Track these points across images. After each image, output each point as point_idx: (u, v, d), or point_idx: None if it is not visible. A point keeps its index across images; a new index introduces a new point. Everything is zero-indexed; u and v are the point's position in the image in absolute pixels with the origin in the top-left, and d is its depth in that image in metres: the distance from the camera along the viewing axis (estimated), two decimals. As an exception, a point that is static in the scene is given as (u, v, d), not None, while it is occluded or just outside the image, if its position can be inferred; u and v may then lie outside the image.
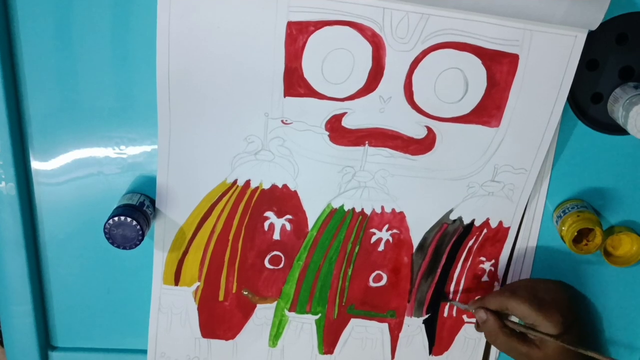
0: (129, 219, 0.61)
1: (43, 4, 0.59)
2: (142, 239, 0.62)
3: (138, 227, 0.61)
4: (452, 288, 0.75)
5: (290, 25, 0.59)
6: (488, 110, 0.64)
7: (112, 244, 0.62)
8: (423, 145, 0.66)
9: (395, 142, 0.66)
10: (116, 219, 0.61)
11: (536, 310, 0.65)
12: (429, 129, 0.65)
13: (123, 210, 0.62)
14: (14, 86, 0.62)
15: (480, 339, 0.78)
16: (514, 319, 0.70)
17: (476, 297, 0.73)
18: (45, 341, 0.73)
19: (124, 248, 0.62)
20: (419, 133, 0.65)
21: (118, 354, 0.75)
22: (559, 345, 0.65)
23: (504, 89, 0.63)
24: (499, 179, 0.68)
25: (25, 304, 0.69)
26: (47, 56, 0.61)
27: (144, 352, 0.74)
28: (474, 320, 0.76)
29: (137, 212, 0.62)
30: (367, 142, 0.65)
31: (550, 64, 0.62)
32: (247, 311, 0.74)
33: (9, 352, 0.72)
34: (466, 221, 0.71)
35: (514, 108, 0.64)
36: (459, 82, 0.62)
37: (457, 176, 0.68)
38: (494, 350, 0.79)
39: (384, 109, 0.64)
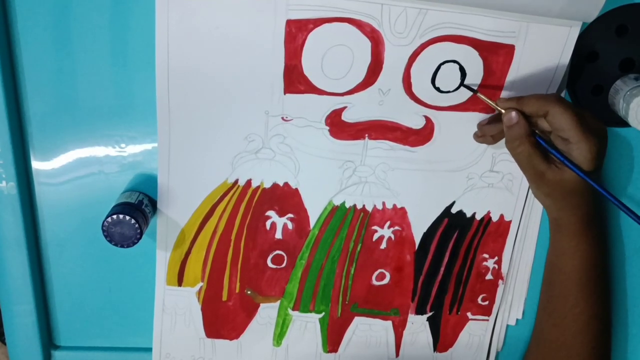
0: (127, 217, 0.61)
1: (42, 4, 0.59)
2: (141, 238, 0.62)
3: (136, 225, 0.61)
4: (455, 287, 0.74)
5: (290, 23, 0.59)
6: None
7: (110, 242, 0.62)
8: (422, 135, 0.66)
9: (395, 134, 0.66)
10: (114, 217, 0.61)
11: (579, 125, 0.56)
12: (427, 119, 0.65)
13: (122, 208, 0.62)
14: (13, 86, 0.62)
15: (484, 335, 0.77)
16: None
17: (503, 97, 0.62)
18: (48, 340, 0.73)
19: (122, 246, 0.62)
20: (418, 123, 0.65)
21: (120, 352, 0.75)
22: (577, 176, 0.58)
23: (499, 77, 0.63)
24: (497, 168, 0.68)
25: (28, 303, 0.69)
26: (46, 56, 0.61)
27: (147, 350, 0.74)
28: (478, 317, 0.76)
29: (135, 210, 0.62)
30: (366, 135, 0.65)
31: (545, 54, 0.62)
32: (250, 311, 0.73)
33: (12, 351, 0.72)
34: (467, 215, 0.70)
35: (509, 96, 0.64)
36: (455, 72, 0.62)
37: (456, 167, 0.68)
38: (493, 349, 0.79)
39: (383, 102, 0.63)
